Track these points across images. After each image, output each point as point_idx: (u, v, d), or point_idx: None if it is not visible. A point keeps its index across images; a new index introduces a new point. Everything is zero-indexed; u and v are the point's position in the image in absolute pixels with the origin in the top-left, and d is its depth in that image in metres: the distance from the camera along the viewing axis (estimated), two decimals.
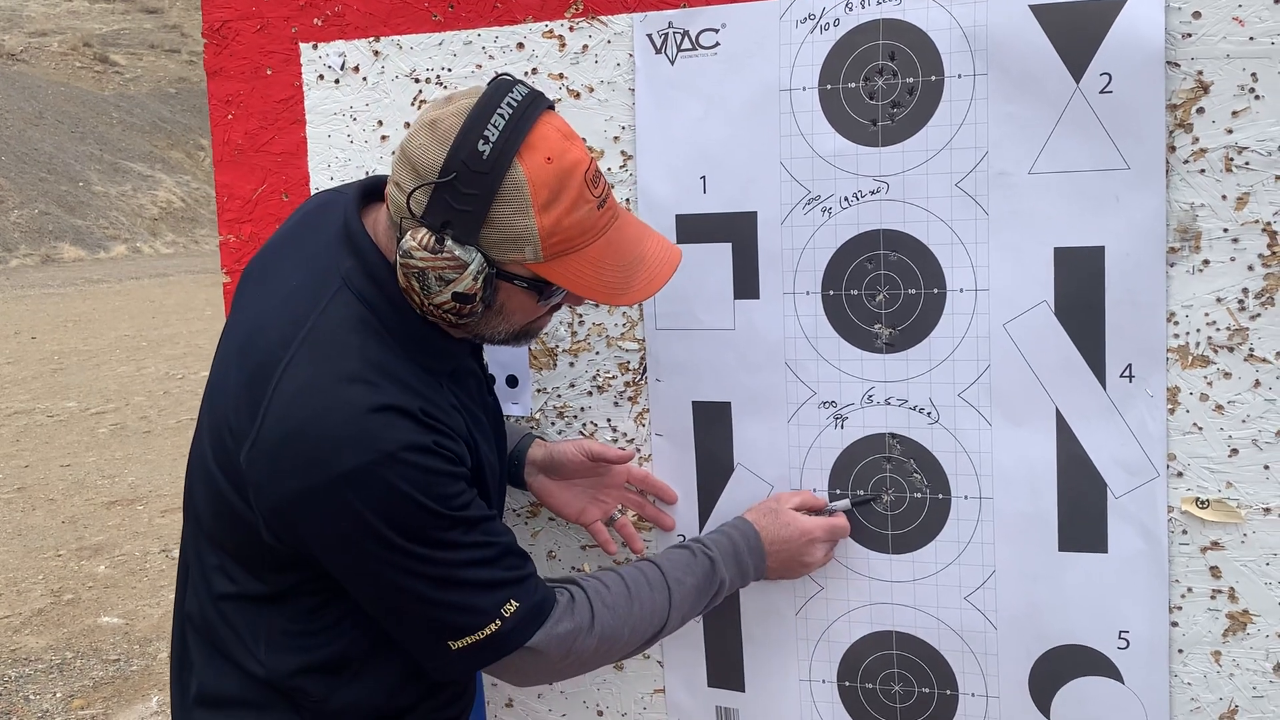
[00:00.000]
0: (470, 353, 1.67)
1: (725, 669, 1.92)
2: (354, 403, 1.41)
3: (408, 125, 1.96)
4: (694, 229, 1.83)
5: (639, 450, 1.92)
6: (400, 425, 1.42)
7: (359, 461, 1.39)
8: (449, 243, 1.38)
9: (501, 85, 1.42)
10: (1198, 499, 1.64)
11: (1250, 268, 1.59)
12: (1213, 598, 1.66)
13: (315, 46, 2.01)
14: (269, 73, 2.03)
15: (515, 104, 1.39)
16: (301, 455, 1.41)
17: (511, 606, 1.50)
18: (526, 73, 1.88)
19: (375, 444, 1.40)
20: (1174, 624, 1.67)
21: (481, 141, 1.36)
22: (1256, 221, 1.58)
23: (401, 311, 1.49)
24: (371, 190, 1.59)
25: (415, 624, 1.51)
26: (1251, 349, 1.60)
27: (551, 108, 1.46)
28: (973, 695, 1.79)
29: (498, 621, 1.49)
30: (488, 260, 1.41)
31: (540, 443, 1.89)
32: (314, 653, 1.57)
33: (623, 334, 1.90)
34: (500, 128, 1.37)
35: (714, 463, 1.88)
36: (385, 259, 1.49)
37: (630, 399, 1.92)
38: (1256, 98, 1.55)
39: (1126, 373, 1.65)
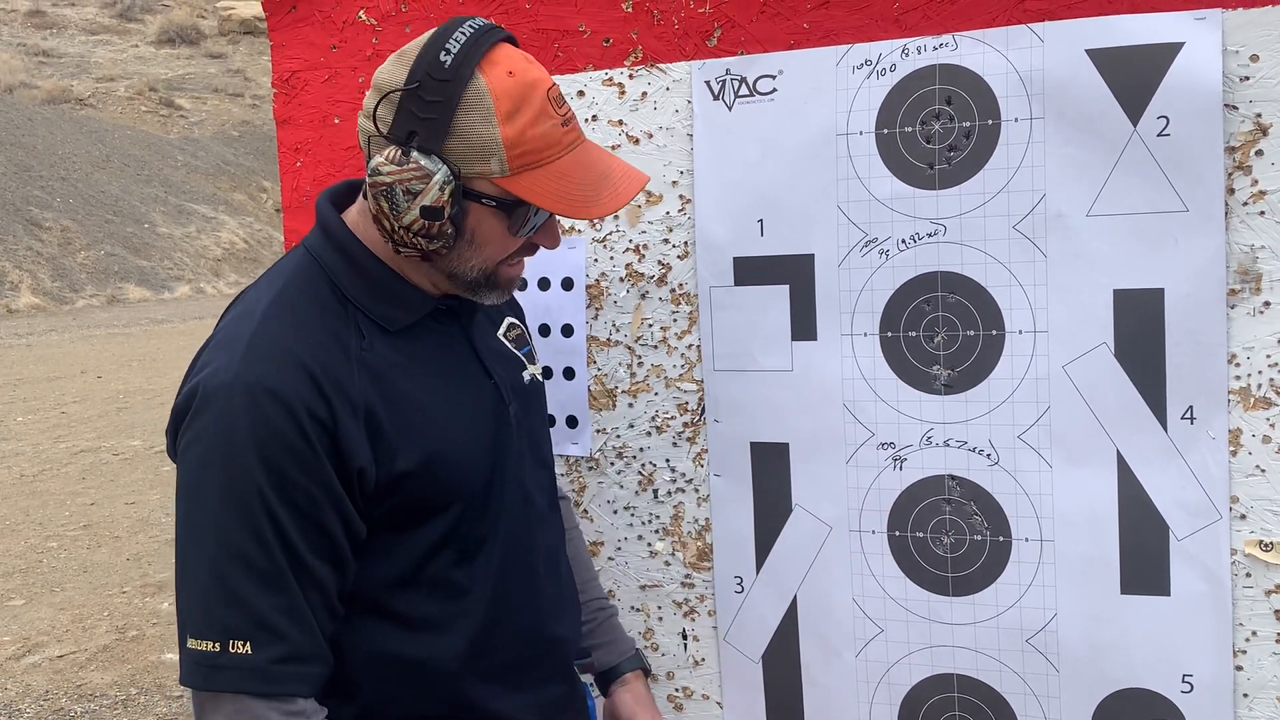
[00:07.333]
0: (462, 316, 1.59)
1: (785, 711, 1.92)
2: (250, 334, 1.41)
3: None
4: (752, 271, 1.85)
5: (697, 490, 1.93)
6: (280, 368, 1.38)
7: (216, 381, 1.38)
8: (415, 153, 1.38)
9: (460, 17, 1.44)
10: (1261, 542, 1.63)
11: None
12: (1278, 641, 1.64)
13: None
14: (337, 121, 2.08)
15: (475, 27, 1.41)
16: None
17: (243, 648, 1.35)
18: (586, 119, 1.92)
19: (240, 371, 1.37)
20: (1238, 668, 1.66)
21: (443, 53, 1.38)
22: None
23: (356, 261, 1.49)
24: (355, 188, 1.59)
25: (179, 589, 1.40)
26: None
27: (513, 41, 1.46)
28: None
29: (216, 646, 1.35)
30: (454, 173, 1.39)
31: (632, 685, 1.82)
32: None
33: (681, 375, 1.92)
34: (462, 42, 1.39)
35: (772, 503, 1.89)
36: (345, 224, 1.51)
37: (689, 439, 1.93)
38: None
39: (1188, 414, 1.64)
